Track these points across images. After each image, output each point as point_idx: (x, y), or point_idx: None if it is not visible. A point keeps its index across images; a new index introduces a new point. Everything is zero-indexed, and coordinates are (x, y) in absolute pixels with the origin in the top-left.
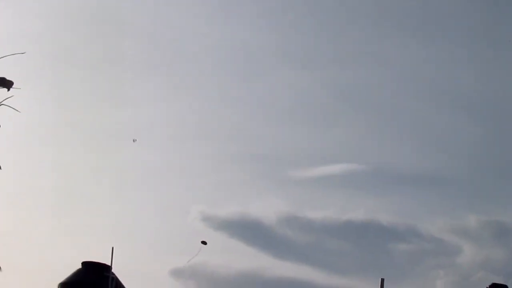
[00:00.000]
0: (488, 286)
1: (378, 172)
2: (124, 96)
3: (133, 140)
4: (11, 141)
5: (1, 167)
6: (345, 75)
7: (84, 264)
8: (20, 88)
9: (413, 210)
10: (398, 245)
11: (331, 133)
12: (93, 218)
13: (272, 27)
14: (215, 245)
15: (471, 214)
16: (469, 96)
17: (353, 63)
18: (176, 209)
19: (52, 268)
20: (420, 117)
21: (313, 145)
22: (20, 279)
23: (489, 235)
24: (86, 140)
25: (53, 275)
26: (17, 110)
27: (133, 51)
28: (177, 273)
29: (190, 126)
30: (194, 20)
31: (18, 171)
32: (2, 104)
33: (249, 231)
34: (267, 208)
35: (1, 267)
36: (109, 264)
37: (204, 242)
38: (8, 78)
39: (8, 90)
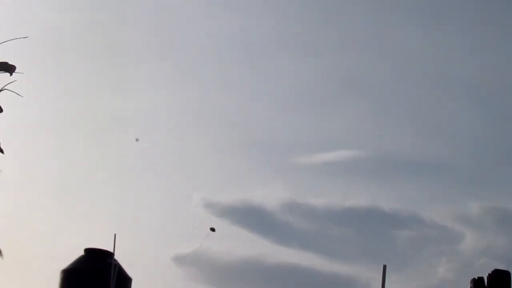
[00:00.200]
0: (490, 273)
1: (380, 159)
2: (126, 84)
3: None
4: (14, 127)
5: (4, 152)
6: (347, 62)
7: (87, 250)
8: (22, 73)
9: (415, 197)
10: (400, 232)
11: (333, 120)
12: (95, 205)
13: (273, 15)
14: (217, 231)
15: (473, 201)
16: (471, 83)
17: (355, 50)
18: (179, 196)
19: (55, 254)
20: (422, 104)
21: (315, 132)
22: (23, 266)
23: (491, 221)
24: (88, 127)
25: (56, 262)
26: (19, 95)
27: (136, 39)
28: (179, 260)
29: (192, 114)
30: (196, 9)
31: (21, 157)
32: (5, 89)
33: (251, 217)
34: (269, 194)
35: (3, 253)
36: (112, 251)
37: (212, 229)
38: (10, 63)
39: (11, 74)
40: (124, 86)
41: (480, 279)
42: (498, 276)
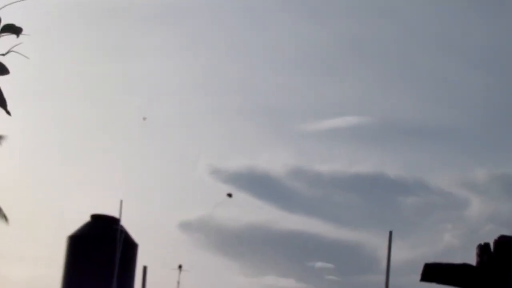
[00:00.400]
0: (496, 239)
1: (385, 125)
2: (132, 49)
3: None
4: (20, 89)
5: (11, 115)
6: (354, 27)
7: (93, 217)
8: (29, 35)
9: (421, 163)
10: (406, 198)
11: (338, 86)
12: (102, 172)
13: None
14: (223, 198)
15: (479, 167)
16: (477, 48)
17: (362, 16)
18: (185, 163)
19: (61, 221)
20: (428, 70)
21: (321, 98)
22: (30, 232)
23: (498, 188)
24: (95, 92)
25: (62, 228)
26: (26, 57)
27: (143, 4)
28: (185, 226)
29: (197, 79)
30: None
31: (27, 121)
32: (11, 51)
33: (257, 184)
34: (275, 161)
35: (10, 219)
36: (118, 217)
37: (230, 195)
38: (17, 25)
39: (17, 36)
40: (130, 51)
41: (486, 245)
42: (504, 242)
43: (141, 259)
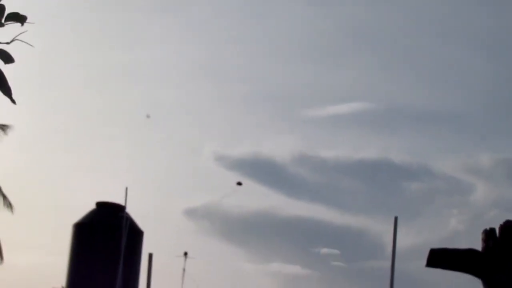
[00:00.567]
0: (501, 224)
1: (390, 110)
2: (137, 36)
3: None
4: (25, 77)
5: (16, 103)
6: (359, 13)
7: (99, 204)
8: (34, 23)
9: (425, 149)
10: (411, 184)
11: (343, 72)
12: (107, 159)
13: None
14: (228, 185)
15: (484, 152)
16: (481, 33)
17: (366, 1)
18: (189, 150)
19: (67, 208)
20: (433, 55)
21: (325, 84)
22: (36, 220)
23: (503, 173)
24: (99, 79)
25: (68, 216)
26: (31, 45)
27: None
28: (190, 213)
29: (202, 66)
30: None
31: (32, 109)
32: (16, 39)
33: (262, 170)
34: (280, 147)
35: (16, 208)
36: (123, 204)
37: (239, 183)
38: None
39: (22, 25)
40: (135, 39)
41: (492, 230)
42: (509, 227)
43: (147, 247)
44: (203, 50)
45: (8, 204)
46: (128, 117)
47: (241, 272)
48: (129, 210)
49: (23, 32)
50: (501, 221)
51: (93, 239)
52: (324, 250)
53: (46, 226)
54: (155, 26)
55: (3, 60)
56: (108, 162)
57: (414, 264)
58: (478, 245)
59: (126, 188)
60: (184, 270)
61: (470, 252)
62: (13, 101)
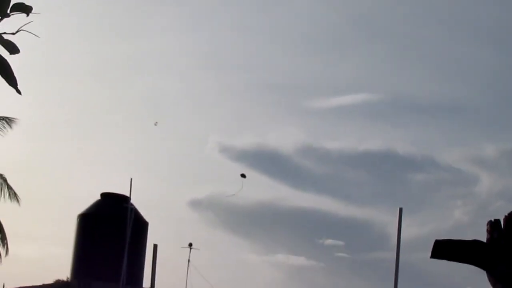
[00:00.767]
0: (507, 215)
1: (395, 102)
2: (141, 26)
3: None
4: (31, 68)
5: (21, 93)
6: (363, 3)
7: (103, 195)
8: (39, 13)
9: (430, 140)
10: (415, 175)
11: (348, 62)
12: (111, 150)
13: None
14: (232, 176)
15: (489, 144)
16: (487, 25)
17: None
18: (194, 140)
19: (72, 199)
20: (438, 46)
21: (331, 75)
22: (41, 211)
23: (508, 164)
24: (105, 70)
25: (73, 206)
26: (36, 36)
27: None
28: (195, 204)
29: (206, 57)
30: None
31: (37, 100)
32: (22, 30)
33: (266, 161)
34: (285, 138)
35: (21, 199)
36: (128, 195)
37: (243, 175)
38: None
39: (27, 15)
40: (139, 29)
41: (497, 221)
42: None
43: (151, 238)
44: (208, 41)
45: (14, 196)
46: (133, 108)
47: (246, 263)
48: (134, 201)
49: (29, 23)
50: (506, 212)
51: (97, 230)
52: (329, 241)
53: (51, 217)
54: (160, 16)
55: (8, 50)
56: (112, 153)
57: (419, 255)
58: (483, 237)
59: (131, 179)
60: (189, 261)
61: (475, 243)
62: (18, 92)
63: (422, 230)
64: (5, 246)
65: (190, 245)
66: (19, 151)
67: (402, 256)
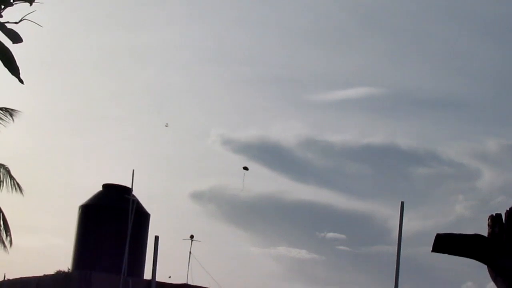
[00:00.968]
0: (508, 209)
1: (397, 96)
2: (144, 19)
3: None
4: (33, 58)
5: (24, 83)
6: None
7: (105, 186)
8: (42, 2)
9: (432, 134)
10: (417, 169)
11: (350, 56)
12: (113, 141)
13: None
14: (234, 168)
15: (491, 138)
16: (490, 19)
17: None
18: (196, 133)
19: (73, 190)
20: (441, 41)
21: (333, 69)
22: (42, 201)
23: (509, 159)
24: (107, 62)
25: (74, 197)
26: (39, 25)
27: None
28: (197, 196)
29: (208, 50)
30: None
31: (39, 91)
32: (24, 19)
33: (268, 154)
34: (287, 131)
35: (24, 189)
36: (130, 186)
37: (245, 168)
38: None
39: (31, 4)
40: (144, 21)
41: (498, 216)
42: None
43: (153, 229)
44: (211, 34)
45: (17, 187)
46: (136, 100)
47: (247, 255)
48: (136, 192)
49: (32, 12)
50: (507, 207)
51: (99, 221)
52: (330, 235)
53: (53, 208)
54: (164, 9)
55: (11, 39)
56: (115, 145)
57: (420, 249)
58: (484, 231)
59: (133, 170)
60: (190, 253)
61: (476, 237)
62: (21, 81)
63: (423, 224)
64: (9, 237)
65: (192, 237)
66: (21, 142)
67: (404, 250)
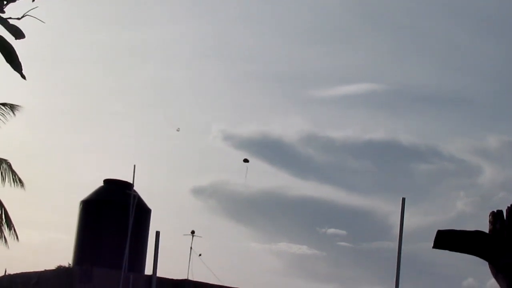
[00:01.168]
0: (509, 206)
1: (399, 92)
2: (145, 16)
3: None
4: (35, 54)
5: (26, 78)
6: None
7: (106, 181)
8: None
9: (434, 130)
10: (418, 165)
11: (352, 52)
12: (115, 137)
13: None
14: (235, 164)
15: (492, 134)
16: (491, 15)
17: None
18: (197, 128)
19: (74, 185)
20: (442, 37)
21: (335, 65)
22: (43, 197)
23: (511, 155)
24: (108, 58)
25: (75, 192)
26: (41, 21)
27: None
28: (198, 192)
29: (209, 46)
30: None
31: (41, 87)
32: (27, 15)
33: (270, 150)
34: (288, 127)
35: (25, 184)
36: (131, 182)
37: (246, 160)
38: None
39: (33, 0)
40: (144, 17)
41: (499, 212)
42: None
43: (154, 225)
44: (212, 30)
45: (19, 181)
46: (137, 96)
47: (248, 251)
48: (137, 187)
49: (34, 8)
50: (509, 203)
51: (100, 216)
52: (331, 231)
53: (55, 203)
54: (165, 6)
55: (13, 35)
56: (116, 140)
57: (421, 245)
58: (485, 227)
59: (134, 166)
60: (191, 248)
61: (477, 234)
62: (23, 77)
63: (424, 220)
64: (13, 231)
65: (193, 232)
66: (23, 137)
67: (405, 246)
